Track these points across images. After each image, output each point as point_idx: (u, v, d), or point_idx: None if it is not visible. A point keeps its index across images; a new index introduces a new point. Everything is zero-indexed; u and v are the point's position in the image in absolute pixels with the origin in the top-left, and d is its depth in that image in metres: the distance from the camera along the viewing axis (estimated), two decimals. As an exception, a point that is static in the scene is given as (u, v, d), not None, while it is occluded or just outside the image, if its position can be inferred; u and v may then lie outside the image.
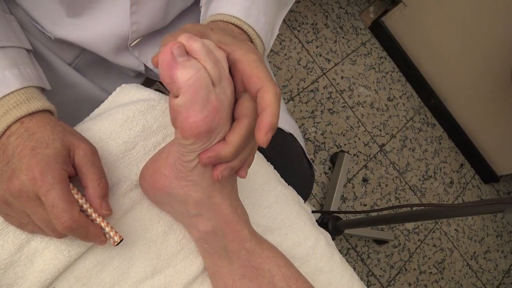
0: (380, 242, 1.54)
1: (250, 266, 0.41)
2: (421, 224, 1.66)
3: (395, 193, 1.64)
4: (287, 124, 0.65)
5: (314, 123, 1.54)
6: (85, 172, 0.37)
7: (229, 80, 0.33)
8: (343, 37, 1.69)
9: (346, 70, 1.66)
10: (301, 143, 0.66)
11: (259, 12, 0.43)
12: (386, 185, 1.62)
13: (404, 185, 1.66)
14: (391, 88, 1.74)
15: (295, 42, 1.58)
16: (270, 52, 1.52)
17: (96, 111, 0.47)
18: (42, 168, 0.34)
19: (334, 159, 1.51)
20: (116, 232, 0.38)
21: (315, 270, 0.52)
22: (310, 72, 1.58)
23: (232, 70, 0.34)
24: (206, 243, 0.42)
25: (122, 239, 0.38)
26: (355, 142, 1.60)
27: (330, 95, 1.60)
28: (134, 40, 0.53)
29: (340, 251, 0.57)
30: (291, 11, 1.60)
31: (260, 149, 0.55)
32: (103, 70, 0.60)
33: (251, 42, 0.43)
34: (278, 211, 0.52)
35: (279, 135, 0.63)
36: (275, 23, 0.49)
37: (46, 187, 0.34)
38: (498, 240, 1.81)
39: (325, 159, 1.53)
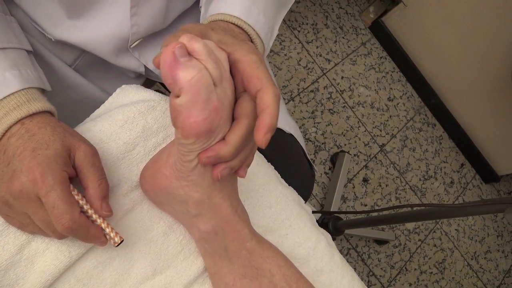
0: (380, 242, 1.54)
1: (251, 266, 0.41)
2: (422, 224, 1.66)
3: (396, 193, 1.64)
4: (288, 124, 0.65)
5: (314, 123, 1.54)
6: (85, 173, 0.38)
7: (230, 81, 0.33)
8: (343, 37, 1.69)
9: (346, 70, 1.66)
10: (301, 144, 0.66)
11: (259, 12, 0.44)
12: (386, 185, 1.62)
13: (405, 185, 1.66)
14: (391, 88, 1.74)
15: (295, 42, 1.58)
16: (270, 52, 1.52)
17: (97, 112, 0.47)
18: (43, 169, 0.34)
19: (335, 159, 1.51)
20: (116, 233, 0.38)
21: (316, 270, 0.52)
22: (310, 72, 1.58)
23: (232, 70, 0.34)
24: (206, 243, 0.42)
25: (123, 240, 0.38)
26: (356, 142, 1.60)
27: (330, 95, 1.60)
28: (134, 42, 0.53)
29: (340, 251, 0.57)
30: (291, 11, 1.60)
31: (261, 150, 0.56)
32: (103, 71, 0.60)
33: (251, 42, 0.43)
34: (278, 212, 0.52)
35: (280, 135, 0.63)
36: (275, 23, 0.49)
37: (47, 188, 0.34)
38: (499, 240, 1.81)
39: (326, 159, 1.53)
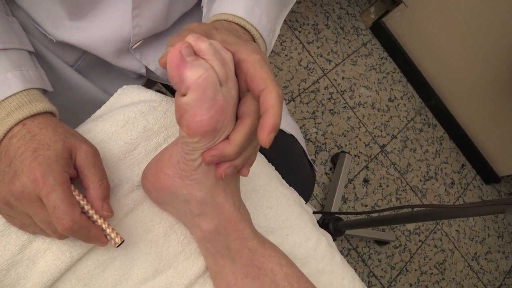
0: (381, 242, 1.54)
1: (253, 265, 0.41)
2: (422, 225, 1.66)
3: (396, 194, 1.64)
4: (288, 125, 0.65)
5: (315, 123, 1.54)
6: (86, 173, 0.38)
7: (234, 80, 0.33)
8: (344, 38, 1.69)
9: (347, 71, 1.66)
10: (302, 144, 0.67)
11: (262, 12, 0.44)
12: (387, 186, 1.62)
13: (405, 186, 1.66)
14: (392, 89, 1.74)
15: (296, 43, 1.58)
16: (271, 52, 1.52)
17: (98, 112, 0.47)
18: (44, 170, 0.35)
19: (335, 160, 1.51)
20: (117, 234, 0.38)
21: (316, 271, 0.52)
22: (311, 72, 1.58)
23: (236, 69, 0.34)
24: (208, 243, 0.42)
25: (123, 241, 0.38)
26: (356, 142, 1.60)
27: (331, 96, 1.60)
28: (136, 43, 0.53)
29: (341, 251, 0.57)
30: (292, 11, 1.60)
31: (262, 151, 0.56)
32: (104, 71, 0.60)
33: (254, 42, 0.43)
34: (279, 212, 0.52)
35: (280, 136, 0.63)
36: (277, 24, 0.49)
37: (48, 189, 0.34)
38: (499, 241, 1.81)
39: (326, 159, 1.53)
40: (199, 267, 0.45)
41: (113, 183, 0.43)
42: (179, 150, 0.36)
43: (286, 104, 1.51)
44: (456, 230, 1.72)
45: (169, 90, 0.80)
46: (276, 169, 0.56)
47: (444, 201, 1.73)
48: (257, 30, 0.43)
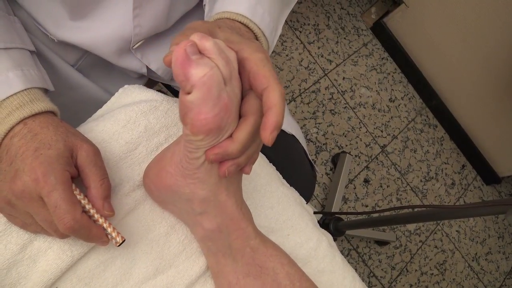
0: (381, 243, 1.54)
1: (255, 264, 0.41)
2: (423, 225, 1.66)
3: (397, 194, 1.64)
4: (289, 125, 0.65)
5: (315, 124, 1.54)
6: (87, 172, 0.38)
7: (238, 79, 0.33)
8: (344, 38, 1.69)
9: (347, 71, 1.66)
10: (303, 145, 0.67)
11: (264, 11, 0.44)
12: (387, 186, 1.62)
13: (406, 186, 1.66)
14: (392, 89, 1.74)
15: (296, 43, 1.58)
16: (271, 53, 1.52)
17: (99, 112, 0.47)
18: (45, 169, 0.35)
19: (336, 160, 1.51)
20: (118, 233, 0.38)
21: (317, 271, 0.52)
22: (312, 73, 1.58)
23: (239, 68, 0.34)
24: (210, 242, 0.42)
25: (124, 240, 0.38)
26: (357, 143, 1.60)
27: (332, 96, 1.60)
28: (137, 43, 0.53)
29: (341, 252, 0.57)
30: (293, 12, 1.60)
31: (263, 151, 0.56)
32: (105, 71, 0.60)
33: (257, 40, 0.43)
34: (280, 212, 0.52)
35: (281, 136, 0.63)
36: (279, 22, 0.50)
37: (49, 188, 0.34)
38: (500, 241, 1.81)
39: (327, 160, 1.53)
40: (200, 266, 0.45)
41: (114, 183, 0.43)
42: (181, 148, 0.36)
43: (287, 104, 1.51)
44: (456, 231, 1.72)
45: (170, 90, 0.80)
46: (277, 169, 0.56)
47: (445, 202, 1.73)
48: (259, 28, 0.43)
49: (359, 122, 1.63)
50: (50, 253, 0.39)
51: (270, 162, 0.55)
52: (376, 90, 1.70)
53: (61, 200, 0.34)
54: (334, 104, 1.60)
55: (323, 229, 0.57)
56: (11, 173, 0.35)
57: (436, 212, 0.90)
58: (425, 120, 1.78)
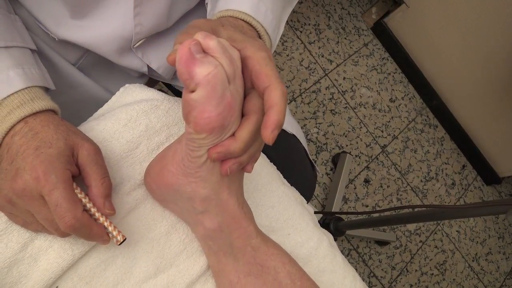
0: (381, 243, 1.54)
1: (256, 263, 0.41)
2: (423, 225, 1.66)
3: (397, 194, 1.63)
4: (290, 125, 0.65)
5: (316, 124, 1.54)
6: (88, 171, 0.38)
7: (241, 78, 0.33)
8: (345, 38, 1.69)
9: (348, 71, 1.66)
10: (303, 144, 0.67)
11: (267, 9, 0.44)
12: (388, 186, 1.62)
13: (406, 186, 1.66)
14: (393, 89, 1.74)
15: (297, 43, 1.58)
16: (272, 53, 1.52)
17: (100, 111, 0.47)
18: (46, 168, 0.35)
19: (336, 160, 1.51)
20: (119, 232, 0.38)
21: (318, 270, 0.52)
22: (312, 73, 1.58)
23: (242, 66, 0.34)
24: (211, 241, 0.42)
25: (125, 239, 0.38)
26: (357, 143, 1.60)
27: (332, 96, 1.60)
28: (138, 42, 0.53)
29: (341, 252, 0.57)
30: (293, 11, 1.60)
31: (263, 150, 0.56)
32: (106, 70, 0.60)
33: (260, 38, 0.43)
34: (281, 212, 0.52)
35: (282, 136, 0.63)
36: (281, 20, 0.50)
37: (50, 187, 0.34)
38: (500, 241, 1.81)
39: (327, 160, 1.53)
40: (200, 266, 0.45)
41: (115, 181, 0.43)
42: (183, 147, 0.36)
43: (288, 104, 1.51)
44: (456, 231, 1.72)
45: (170, 89, 0.80)
46: (277, 168, 0.56)
47: (445, 202, 1.73)
48: (262, 26, 0.43)
49: (360, 122, 1.63)
50: (51, 252, 0.39)
51: (271, 161, 0.55)
52: (377, 90, 1.70)
53: (62, 199, 0.34)
54: (334, 104, 1.60)
55: (324, 229, 0.57)
56: (12, 172, 0.35)
57: (436, 212, 0.90)
58: (425, 120, 1.78)
